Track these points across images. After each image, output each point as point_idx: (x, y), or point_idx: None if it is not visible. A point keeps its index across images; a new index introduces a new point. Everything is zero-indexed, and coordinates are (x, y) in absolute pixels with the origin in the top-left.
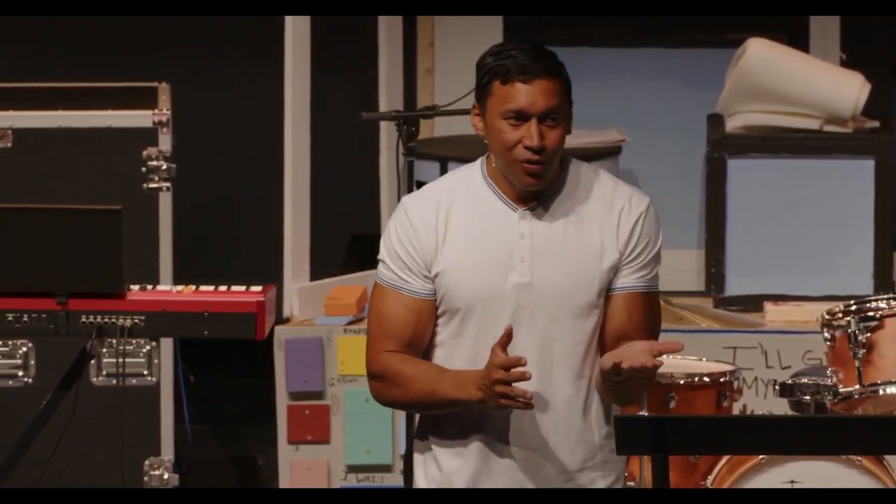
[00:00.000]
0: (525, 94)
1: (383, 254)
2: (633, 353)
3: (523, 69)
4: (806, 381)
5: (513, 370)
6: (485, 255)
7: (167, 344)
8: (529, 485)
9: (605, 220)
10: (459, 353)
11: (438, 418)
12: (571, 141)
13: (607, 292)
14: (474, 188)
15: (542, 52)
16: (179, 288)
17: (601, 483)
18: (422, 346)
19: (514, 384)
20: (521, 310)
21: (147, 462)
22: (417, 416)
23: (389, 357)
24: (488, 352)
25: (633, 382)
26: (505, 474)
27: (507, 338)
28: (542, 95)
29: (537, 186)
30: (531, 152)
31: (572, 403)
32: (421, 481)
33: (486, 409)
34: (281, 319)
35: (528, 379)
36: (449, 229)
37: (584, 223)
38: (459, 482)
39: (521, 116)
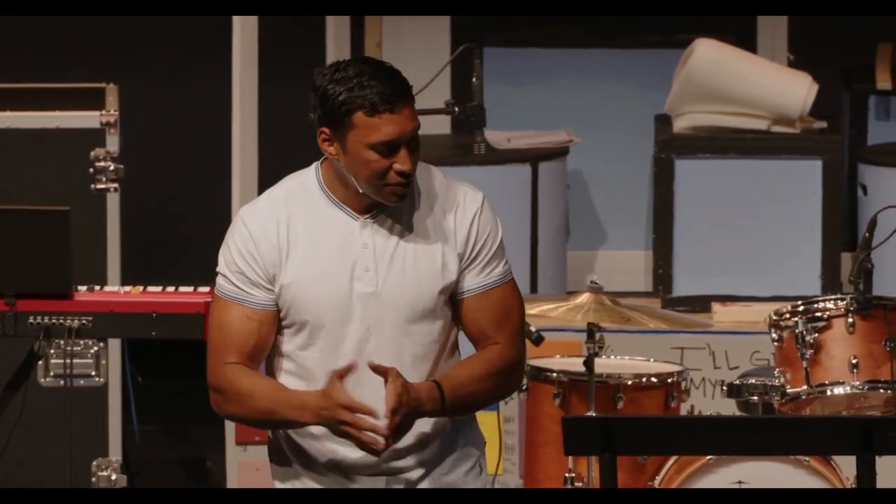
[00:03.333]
0: (395, 123)
1: (222, 267)
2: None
3: (388, 99)
4: (753, 381)
5: (363, 421)
6: (329, 266)
7: (115, 345)
8: (393, 485)
9: (441, 223)
10: (309, 364)
11: (285, 433)
12: (520, 141)
13: (457, 295)
14: (312, 198)
15: (392, 72)
16: (127, 288)
17: (461, 469)
18: (263, 356)
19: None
20: (369, 318)
21: (95, 463)
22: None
23: (230, 370)
24: (338, 365)
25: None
26: (364, 478)
27: (347, 371)
28: (408, 121)
29: (403, 201)
30: (402, 176)
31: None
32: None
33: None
34: None
35: (383, 434)
36: (291, 241)
37: (423, 228)
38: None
39: (392, 145)
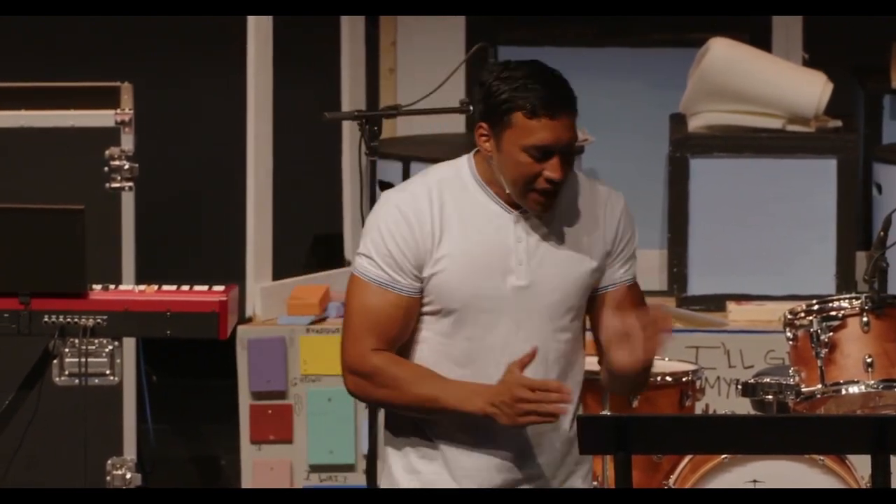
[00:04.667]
0: (552, 130)
1: (370, 250)
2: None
3: (550, 105)
4: (768, 380)
5: (548, 394)
6: (482, 257)
7: (130, 343)
8: (510, 485)
9: (590, 221)
10: (450, 352)
11: (417, 420)
12: None
13: (596, 291)
14: (465, 187)
15: (560, 81)
16: (142, 288)
17: (578, 475)
18: (401, 342)
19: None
20: (520, 312)
21: (109, 462)
22: (383, 414)
23: (379, 356)
24: (483, 354)
25: (639, 372)
26: (486, 475)
27: (530, 358)
28: (566, 131)
29: (547, 212)
30: (550, 184)
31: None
32: (401, 478)
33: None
34: (243, 319)
35: (568, 402)
36: (444, 228)
37: (573, 226)
38: (439, 483)
39: (546, 152)
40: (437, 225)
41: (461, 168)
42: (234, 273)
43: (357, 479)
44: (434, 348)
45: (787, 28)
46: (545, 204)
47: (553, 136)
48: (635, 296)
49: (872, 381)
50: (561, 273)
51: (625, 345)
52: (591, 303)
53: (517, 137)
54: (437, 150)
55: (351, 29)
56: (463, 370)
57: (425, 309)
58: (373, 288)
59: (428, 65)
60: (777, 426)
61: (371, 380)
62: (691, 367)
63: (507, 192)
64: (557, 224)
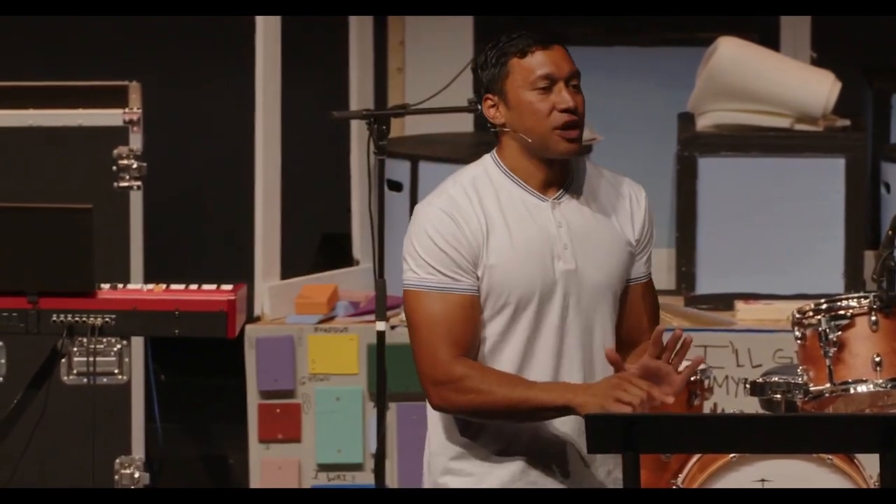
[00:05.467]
0: (549, 58)
1: (418, 259)
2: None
3: (539, 40)
4: (777, 379)
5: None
6: (531, 246)
7: (138, 343)
8: (569, 482)
9: (619, 208)
10: (508, 348)
11: (476, 431)
12: None
13: (629, 281)
14: (497, 182)
15: (541, 29)
16: (150, 287)
17: (619, 470)
18: (477, 345)
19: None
20: (569, 297)
21: (118, 461)
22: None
23: (462, 363)
24: (540, 343)
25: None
26: (544, 473)
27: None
28: (563, 59)
29: (575, 152)
30: (568, 114)
31: None
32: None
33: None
34: (252, 318)
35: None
36: (489, 223)
37: (605, 211)
38: (493, 484)
39: (550, 80)
40: (483, 220)
41: (487, 166)
42: (242, 272)
43: (365, 479)
44: (491, 348)
45: (796, 27)
46: (571, 139)
47: (551, 63)
48: (653, 293)
49: (881, 380)
50: (603, 255)
51: (653, 382)
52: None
53: (519, 81)
54: (445, 149)
55: (359, 28)
56: (518, 369)
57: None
58: (434, 295)
59: (436, 64)
60: (785, 425)
61: (457, 388)
62: (700, 367)
63: (541, 165)
64: (591, 209)
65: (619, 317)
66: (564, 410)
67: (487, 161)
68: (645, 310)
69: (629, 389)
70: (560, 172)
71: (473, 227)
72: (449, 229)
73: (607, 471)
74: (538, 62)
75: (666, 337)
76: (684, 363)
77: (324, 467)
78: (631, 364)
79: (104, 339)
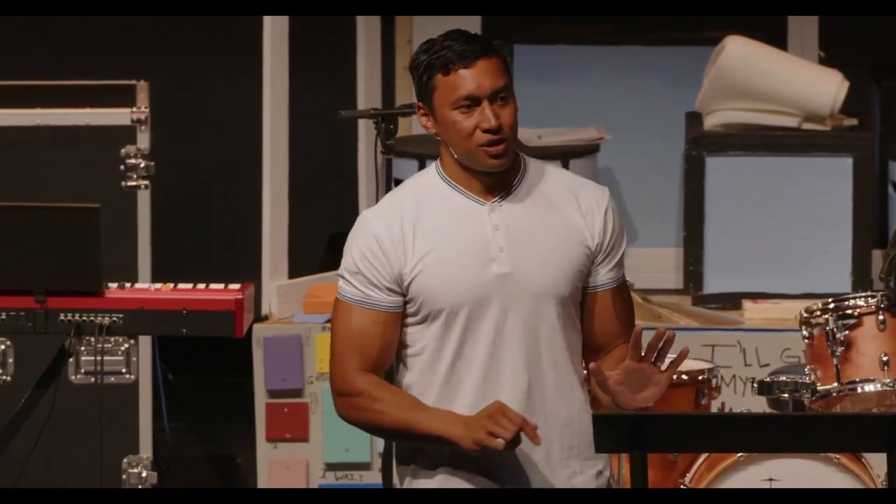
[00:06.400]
0: (470, 78)
1: (343, 270)
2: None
3: (462, 55)
4: (784, 378)
5: (516, 426)
6: (462, 251)
7: (146, 342)
8: (514, 479)
9: (573, 210)
10: (443, 355)
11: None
12: (550, 139)
13: (585, 289)
14: (436, 189)
15: (473, 35)
16: (158, 286)
17: (588, 472)
18: (389, 360)
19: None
20: (506, 299)
21: (126, 460)
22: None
23: (364, 378)
24: (473, 349)
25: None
26: (490, 470)
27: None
28: (486, 76)
29: (503, 166)
30: (490, 134)
31: (560, 389)
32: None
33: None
34: (259, 317)
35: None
36: (417, 235)
37: (554, 211)
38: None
39: (471, 101)
40: (409, 232)
41: (429, 174)
42: (250, 271)
43: (373, 478)
44: (430, 357)
45: (803, 26)
46: (496, 153)
47: (472, 83)
48: (624, 299)
49: (888, 380)
50: (543, 259)
51: (637, 384)
52: (584, 301)
53: (443, 98)
54: None
55: (367, 28)
56: (448, 375)
57: (414, 320)
58: (350, 307)
59: None
60: (793, 425)
61: (355, 402)
62: (707, 366)
63: (478, 173)
64: (534, 211)
65: (589, 323)
66: (444, 440)
67: (430, 169)
68: (616, 315)
69: (501, 422)
70: (501, 178)
71: (395, 239)
72: (368, 245)
73: (571, 473)
74: (461, 80)
75: (647, 337)
76: (668, 359)
77: (331, 466)
78: (611, 370)
79: (112, 339)
